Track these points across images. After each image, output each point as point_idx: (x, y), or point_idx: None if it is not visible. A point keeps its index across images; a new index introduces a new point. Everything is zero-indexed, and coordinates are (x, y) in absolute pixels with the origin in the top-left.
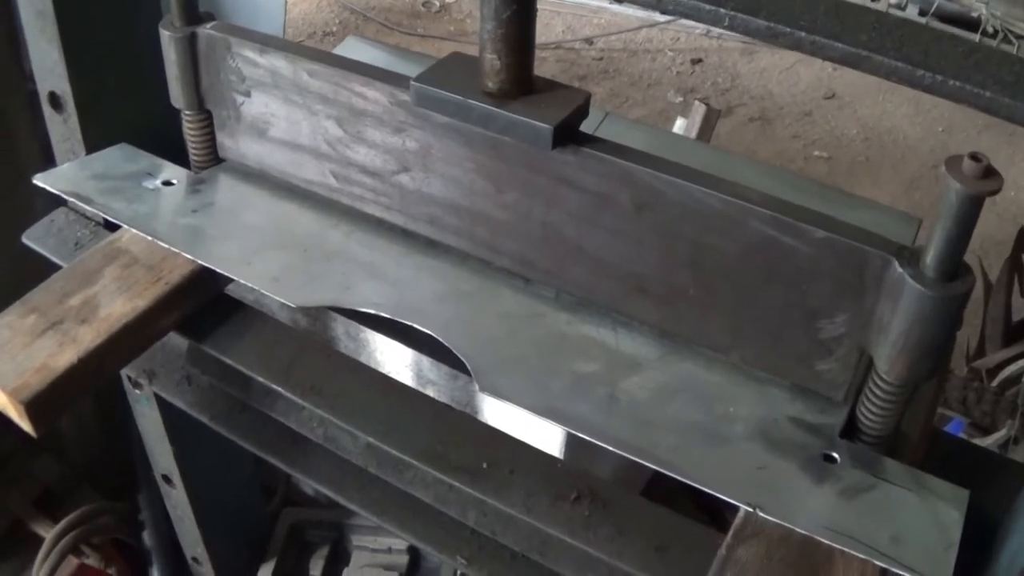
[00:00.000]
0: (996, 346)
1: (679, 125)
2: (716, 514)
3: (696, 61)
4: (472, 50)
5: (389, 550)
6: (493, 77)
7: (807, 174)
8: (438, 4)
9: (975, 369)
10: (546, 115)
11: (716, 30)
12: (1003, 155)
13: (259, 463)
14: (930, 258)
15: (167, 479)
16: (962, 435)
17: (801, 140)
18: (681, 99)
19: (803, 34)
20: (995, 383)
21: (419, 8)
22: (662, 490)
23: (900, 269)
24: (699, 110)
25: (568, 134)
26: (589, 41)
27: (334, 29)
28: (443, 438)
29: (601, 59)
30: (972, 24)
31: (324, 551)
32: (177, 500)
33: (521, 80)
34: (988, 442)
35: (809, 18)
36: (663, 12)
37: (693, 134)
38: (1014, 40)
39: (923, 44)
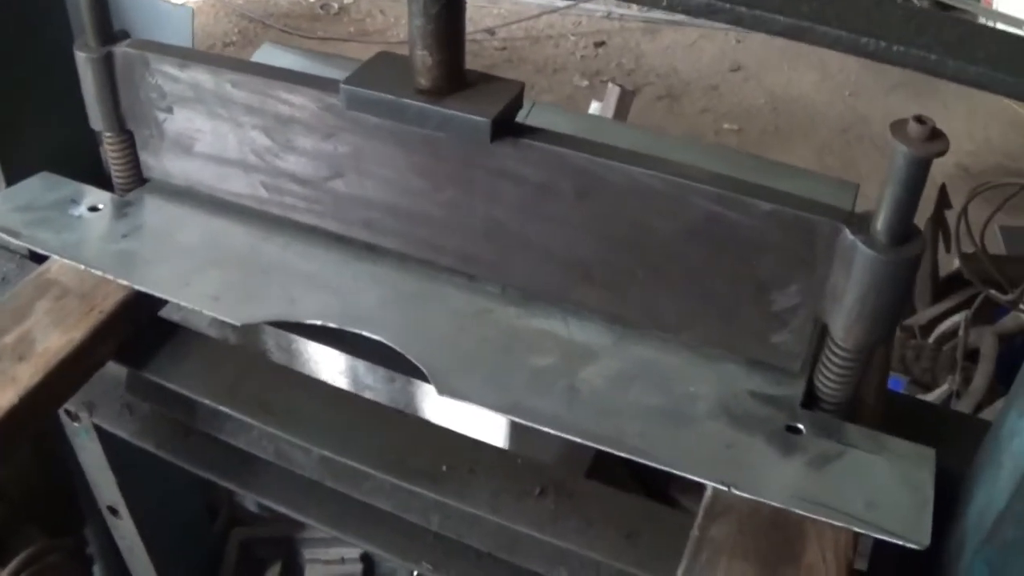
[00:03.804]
0: (925, 303)
1: (594, 108)
2: (654, 486)
3: (599, 44)
4: (374, 50)
5: (342, 560)
6: (425, 74)
7: None
8: (336, 6)
9: (907, 327)
10: (483, 109)
11: (617, 11)
12: (910, 114)
13: (204, 484)
14: (880, 222)
15: (113, 510)
16: (904, 392)
17: (710, 114)
18: (587, 83)
19: (743, 9)
20: (931, 339)
21: (317, 11)
22: (605, 467)
23: (851, 236)
24: (613, 92)
25: (506, 126)
26: (491, 32)
27: (234, 39)
28: (399, 445)
29: (504, 49)
30: None
31: (276, 568)
32: (125, 531)
33: (454, 75)
34: (931, 398)
35: None
36: None
37: (609, 116)
38: None
39: (865, 10)
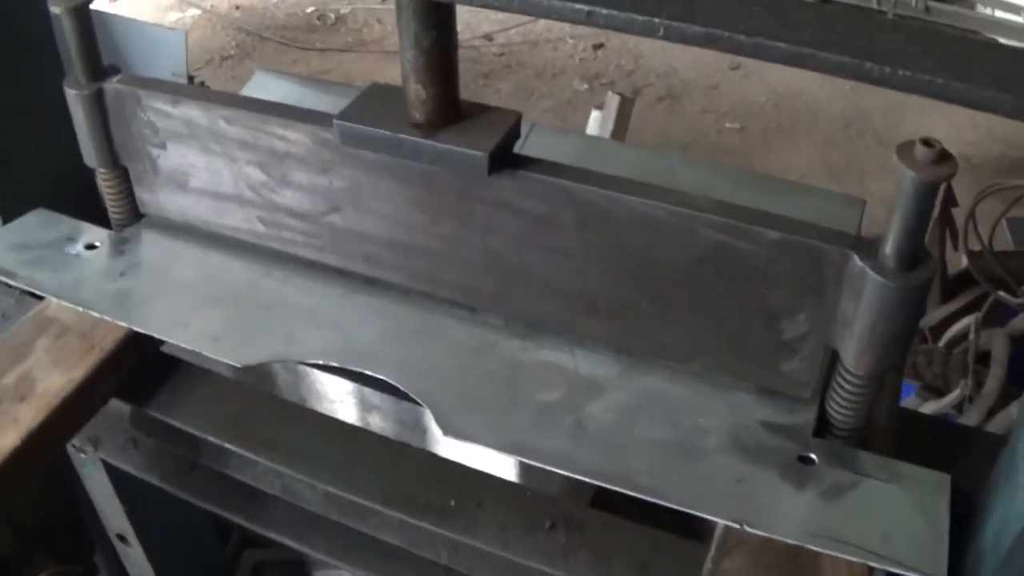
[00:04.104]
0: (935, 303)
1: (594, 117)
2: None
3: (598, 46)
4: (372, 60)
5: None
6: (420, 107)
7: (720, 147)
8: (333, 17)
9: (917, 328)
10: (479, 142)
11: None
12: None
13: None
14: (889, 248)
15: (122, 538)
16: (915, 398)
17: (712, 114)
18: (587, 86)
19: (743, 37)
20: (942, 342)
21: (314, 22)
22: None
23: (860, 263)
24: (613, 101)
25: (504, 158)
26: (489, 37)
27: (232, 52)
28: (406, 479)
29: (503, 54)
30: None
31: None
32: (135, 558)
33: (448, 108)
34: (943, 403)
35: (746, 19)
36: (594, 26)
37: (609, 125)
38: None
39: (867, 34)
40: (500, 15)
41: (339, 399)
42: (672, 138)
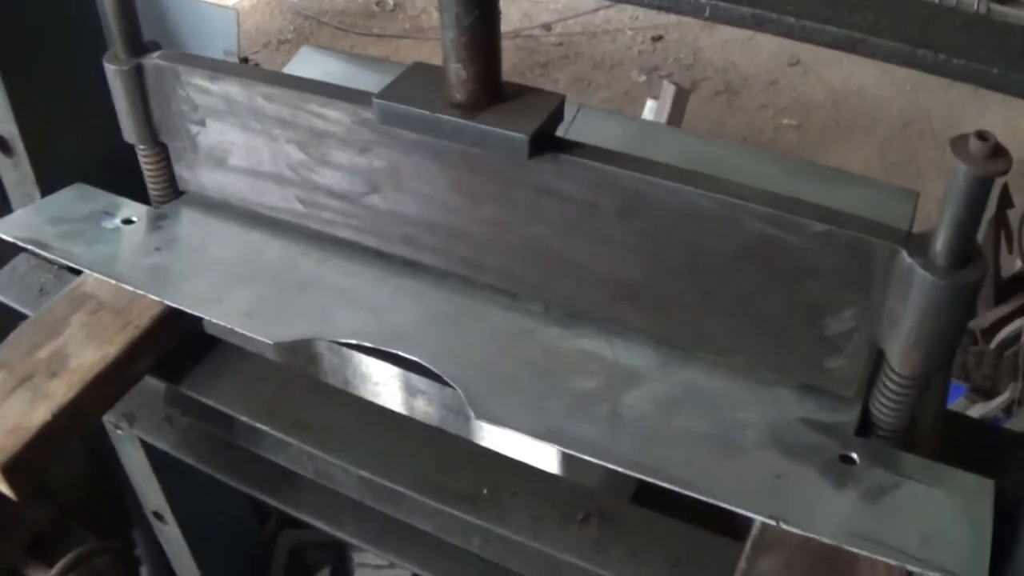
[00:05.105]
0: (988, 305)
1: (649, 107)
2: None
3: (657, 39)
4: (430, 47)
5: (392, 565)
6: (460, 88)
7: (778, 144)
8: (392, 3)
9: (969, 330)
10: (520, 124)
11: None
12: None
13: None
14: (940, 245)
15: (159, 516)
16: (964, 400)
17: (770, 109)
18: (645, 78)
19: (792, 19)
20: (993, 344)
21: (373, 8)
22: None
23: (909, 259)
24: (669, 91)
25: (545, 142)
26: (547, 27)
27: (289, 36)
28: (439, 465)
29: (561, 44)
30: None
31: (326, 572)
32: (171, 536)
33: (490, 88)
34: (991, 407)
35: (796, 1)
36: (638, 5)
37: (664, 115)
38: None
39: (920, 21)
40: (559, 5)
41: (383, 382)
42: (729, 132)
